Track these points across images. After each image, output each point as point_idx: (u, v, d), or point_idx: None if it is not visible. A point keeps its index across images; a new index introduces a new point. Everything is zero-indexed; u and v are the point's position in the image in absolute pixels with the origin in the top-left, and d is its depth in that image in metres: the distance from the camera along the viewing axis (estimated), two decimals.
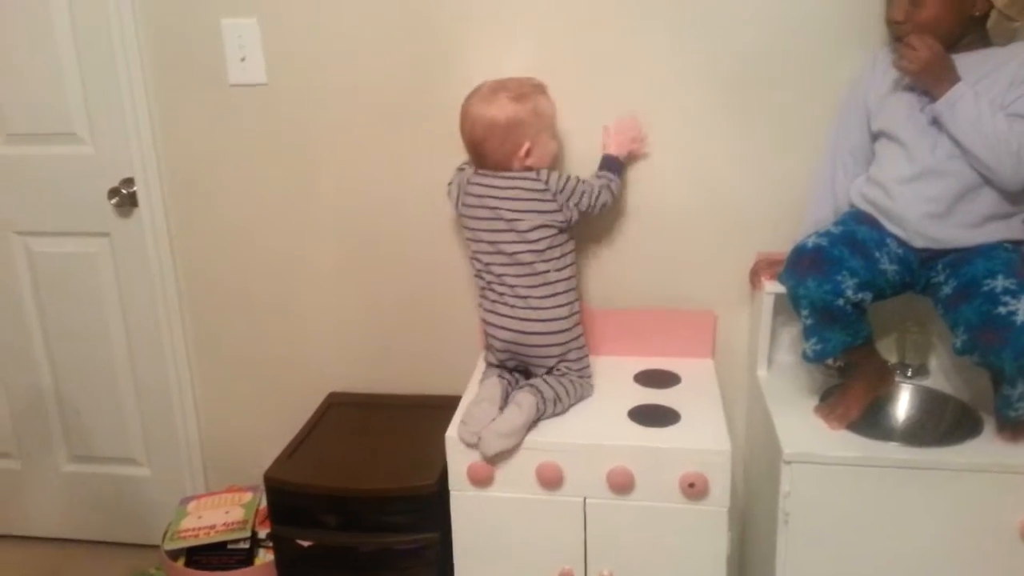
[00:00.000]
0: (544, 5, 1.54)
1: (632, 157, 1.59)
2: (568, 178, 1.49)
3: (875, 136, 1.43)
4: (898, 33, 1.37)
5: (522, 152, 1.45)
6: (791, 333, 1.60)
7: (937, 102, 1.29)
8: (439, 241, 1.73)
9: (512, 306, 1.48)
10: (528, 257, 1.46)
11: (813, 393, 1.50)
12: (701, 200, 1.62)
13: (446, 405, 1.54)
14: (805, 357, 1.39)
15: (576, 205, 1.49)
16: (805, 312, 1.36)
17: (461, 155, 1.64)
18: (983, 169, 1.29)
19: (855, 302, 1.32)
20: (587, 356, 1.55)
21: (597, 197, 1.51)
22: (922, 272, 1.39)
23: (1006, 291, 1.24)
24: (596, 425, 1.44)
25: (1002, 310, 1.23)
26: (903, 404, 1.51)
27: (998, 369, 1.26)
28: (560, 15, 1.55)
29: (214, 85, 1.70)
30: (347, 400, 1.82)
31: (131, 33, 1.69)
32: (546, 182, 1.46)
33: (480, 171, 1.50)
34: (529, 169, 1.47)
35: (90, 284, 1.92)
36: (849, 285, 1.31)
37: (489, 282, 1.50)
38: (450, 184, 1.58)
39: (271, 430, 1.80)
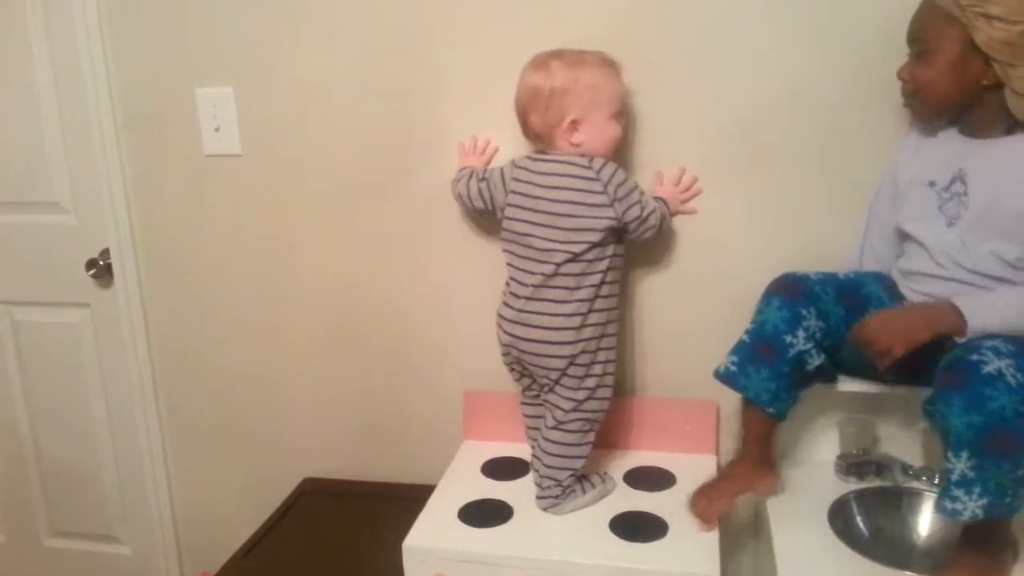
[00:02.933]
0: (518, 72, 1.42)
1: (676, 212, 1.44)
2: (627, 177, 1.33)
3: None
4: (903, 92, 1.26)
5: (565, 124, 1.30)
6: (811, 431, 1.43)
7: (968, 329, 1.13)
8: (423, 319, 1.63)
9: (520, 309, 1.34)
10: (559, 256, 1.30)
11: (826, 504, 1.31)
12: (708, 273, 1.48)
13: (420, 497, 1.43)
14: (716, 371, 1.30)
15: (627, 210, 1.31)
16: (749, 328, 1.28)
17: (446, 230, 1.56)
18: None
19: (801, 351, 1.21)
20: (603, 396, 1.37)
21: (649, 214, 1.34)
22: (934, 352, 1.19)
23: (993, 349, 1.07)
24: (572, 537, 1.29)
25: (973, 357, 1.06)
26: (922, 517, 1.31)
27: (945, 427, 1.06)
28: None
29: (189, 155, 1.65)
30: (320, 487, 1.71)
31: (106, 100, 1.65)
32: (598, 171, 1.29)
33: (529, 155, 1.37)
34: (580, 153, 1.31)
35: (71, 356, 1.87)
36: (809, 326, 1.22)
37: (511, 276, 1.37)
38: (457, 181, 1.47)
39: (246, 512, 1.71)
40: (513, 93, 1.39)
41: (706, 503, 1.29)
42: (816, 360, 1.25)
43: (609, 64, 1.32)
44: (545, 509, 1.36)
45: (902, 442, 1.39)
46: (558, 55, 1.32)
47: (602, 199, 1.29)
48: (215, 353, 1.75)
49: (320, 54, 1.54)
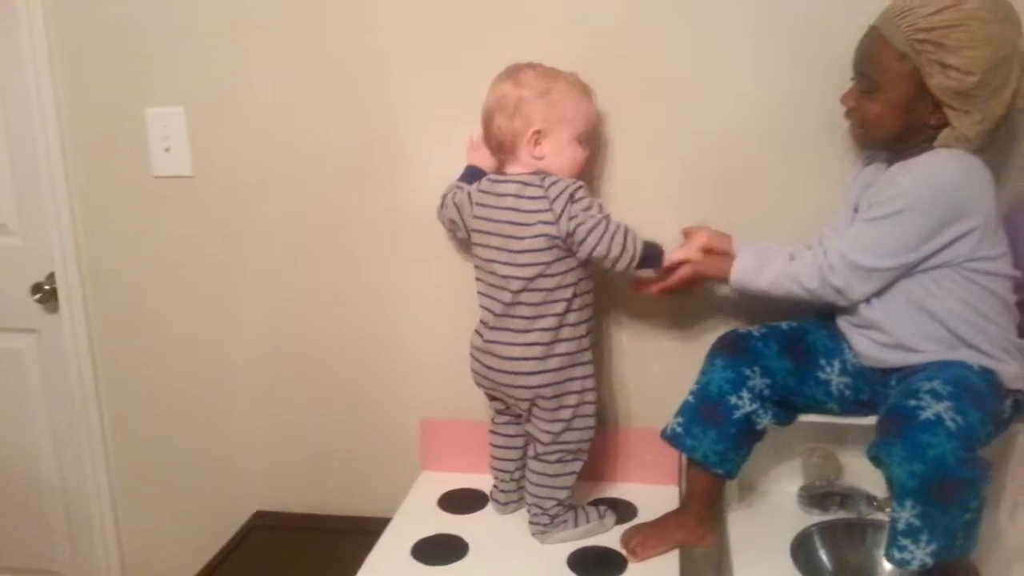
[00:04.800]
0: (480, 92, 1.38)
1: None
2: (581, 190, 1.23)
3: None
4: (848, 117, 1.24)
5: (529, 133, 1.25)
6: (775, 462, 1.40)
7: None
8: (380, 346, 1.58)
9: (486, 339, 1.30)
10: (516, 284, 1.26)
11: (788, 537, 1.28)
12: (677, 300, 1.44)
13: (375, 531, 1.38)
14: (663, 431, 1.30)
15: (577, 229, 1.22)
16: (694, 388, 1.27)
17: (405, 253, 1.53)
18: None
19: (748, 412, 1.21)
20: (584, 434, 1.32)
21: (612, 238, 1.22)
22: (880, 389, 1.21)
23: (932, 392, 1.05)
24: (528, 574, 1.25)
25: (912, 402, 1.05)
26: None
27: (889, 475, 1.05)
28: None
29: (138, 177, 1.59)
30: (272, 522, 1.65)
31: (53, 119, 1.60)
32: (547, 187, 1.24)
33: (491, 176, 1.33)
34: (539, 169, 1.27)
35: (16, 384, 1.79)
36: (755, 386, 1.23)
37: (480, 303, 1.33)
38: (444, 196, 1.41)
39: (195, 546, 1.64)
40: (475, 114, 1.36)
41: (640, 541, 1.28)
42: (764, 419, 1.25)
43: (582, 86, 1.30)
44: (534, 535, 1.34)
45: (867, 473, 1.34)
46: (533, 66, 1.29)
47: (547, 216, 1.24)
48: (164, 381, 1.69)
49: (274, 73, 1.50)
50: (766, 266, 1.21)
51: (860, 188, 1.27)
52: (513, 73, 1.28)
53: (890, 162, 1.22)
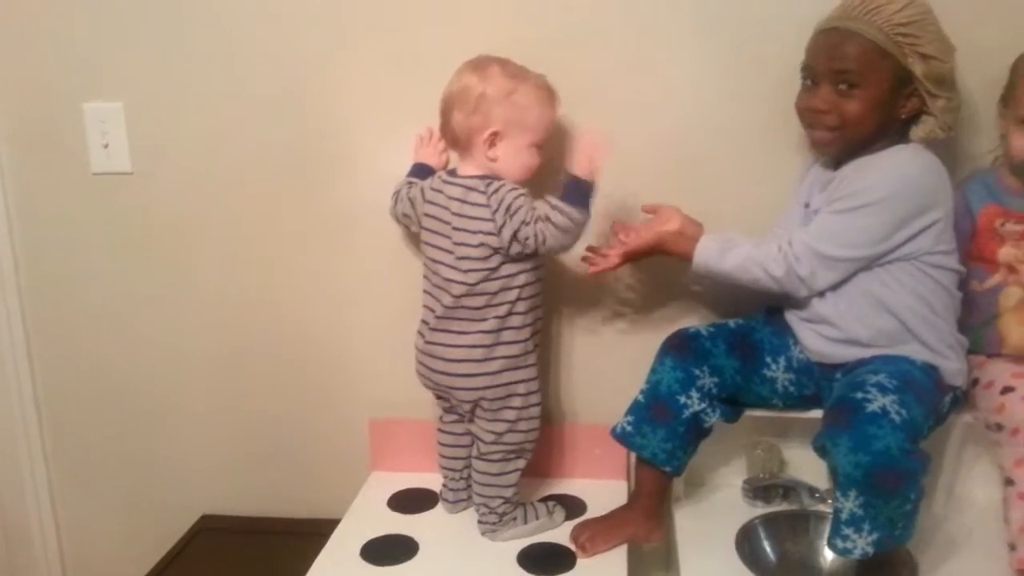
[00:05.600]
0: (427, 86, 1.37)
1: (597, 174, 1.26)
2: (517, 196, 1.22)
3: None
4: (817, 122, 1.23)
5: (486, 134, 1.23)
6: (719, 455, 1.42)
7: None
8: (328, 344, 1.57)
9: (428, 340, 1.29)
10: (458, 289, 1.25)
11: (733, 529, 1.30)
12: (630, 297, 1.46)
13: (325, 533, 1.36)
14: (612, 430, 1.31)
15: (514, 235, 1.21)
16: (644, 387, 1.29)
17: (352, 250, 1.51)
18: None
19: (696, 412, 1.23)
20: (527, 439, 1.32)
21: (530, 230, 1.20)
22: (824, 384, 1.25)
23: (878, 385, 1.09)
24: (478, 571, 1.26)
25: (859, 395, 1.08)
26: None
27: (834, 465, 1.08)
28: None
29: (75, 173, 1.55)
30: (219, 524, 1.62)
31: None
32: (491, 194, 1.23)
33: (442, 175, 1.31)
34: (484, 175, 1.26)
35: None
36: (704, 385, 1.25)
37: (424, 303, 1.32)
38: (397, 192, 1.40)
39: (139, 552, 1.59)
40: (422, 110, 1.35)
41: (589, 536, 1.29)
42: (712, 418, 1.27)
43: (548, 90, 1.27)
44: (484, 534, 1.33)
45: (809, 465, 1.38)
46: (501, 62, 1.26)
47: (489, 225, 1.23)
48: (105, 381, 1.65)
49: (216, 68, 1.47)
50: (731, 251, 1.22)
51: (812, 185, 1.29)
52: (480, 66, 1.25)
53: (840, 161, 1.25)
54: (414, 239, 1.46)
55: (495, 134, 1.24)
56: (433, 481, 1.48)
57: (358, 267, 1.52)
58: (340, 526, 1.39)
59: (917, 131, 1.21)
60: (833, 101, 1.19)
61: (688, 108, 1.39)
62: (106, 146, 1.53)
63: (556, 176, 1.39)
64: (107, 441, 1.68)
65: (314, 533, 1.43)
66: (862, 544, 1.06)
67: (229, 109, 1.49)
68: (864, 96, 1.17)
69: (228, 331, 1.59)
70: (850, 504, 1.06)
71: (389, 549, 1.32)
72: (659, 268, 1.40)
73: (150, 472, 1.68)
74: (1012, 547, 1.16)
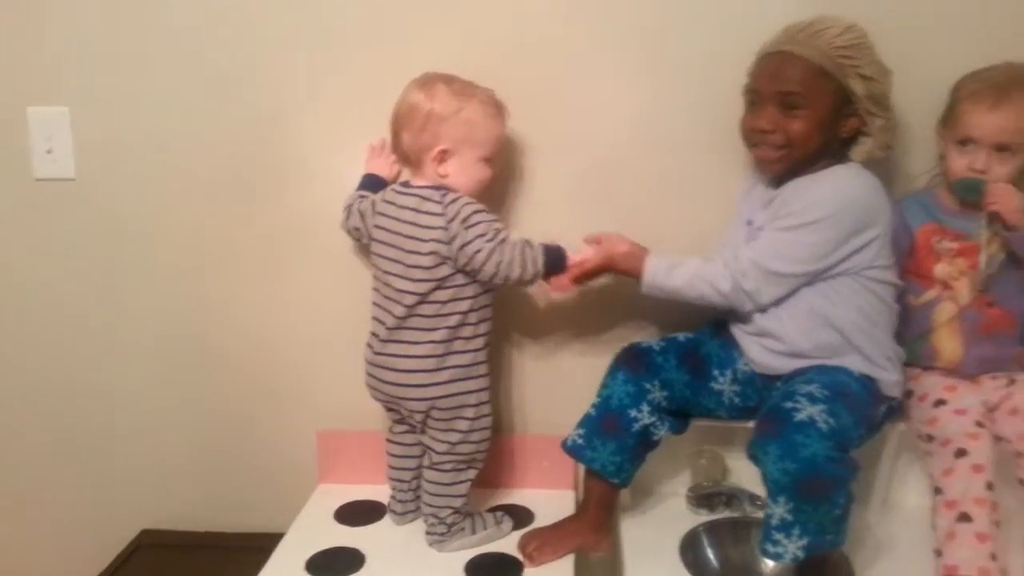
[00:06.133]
0: (377, 98, 1.38)
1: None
2: (479, 214, 1.23)
3: None
4: (762, 141, 1.27)
5: (435, 152, 1.25)
6: (663, 464, 1.44)
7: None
8: (275, 354, 1.55)
9: (378, 352, 1.29)
10: (410, 299, 1.25)
11: (678, 537, 1.33)
12: (574, 311, 1.48)
13: (269, 547, 1.34)
14: (563, 443, 1.34)
15: (463, 247, 1.22)
16: (596, 401, 1.32)
17: (301, 261, 1.50)
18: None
19: (646, 425, 1.26)
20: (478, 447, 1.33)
21: (510, 264, 1.22)
22: (766, 394, 1.28)
23: (808, 396, 1.12)
24: None
25: (788, 404, 1.11)
26: None
27: (764, 472, 1.12)
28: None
29: (17, 179, 1.51)
30: (160, 540, 1.58)
31: None
32: (447, 204, 1.24)
33: (395, 186, 1.32)
34: (442, 185, 1.27)
35: None
36: (654, 398, 1.28)
37: (373, 315, 1.32)
38: (349, 206, 1.40)
39: (75, 571, 1.57)
40: (372, 121, 1.37)
41: (536, 546, 1.30)
42: (661, 431, 1.30)
43: (495, 105, 1.29)
44: (431, 545, 1.33)
45: (751, 473, 1.40)
46: (447, 80, 1.28)
47: (441, 234, 1.25)
48: (41, 392, 1.61)
49: (165, 75, 1.46)
50: (678, 268, 1.25)
51: (755, 203, 1.33)
52: (427, 84, 1.27)
53: (782, 180, 1.29)
54: (364, 251, 1.46)
55: (444, 151, 1.26)
56: (380, 493, 1.47)
57: (306, 278, 1.52)
58: (285, 539, 1.37)
59: (857, 151, 1.26)
60: (778, 121, 1.23)
61: (633, 127, 1.42)
62: (50, 151, 1.50)
63: (508, 186, 1.42)
64: (41, 453, 1.63)
65: (259, 548, 1.41)
66: (792, 549, 1.09)
67: (177, 116, 1.47)
68: (808, 116, 1.22)
69: (172, 340, 1.56)
70: (780, 510, 1.09)
71: (335, 562, 1.30)
72: (610, 283, 1.43)
73: (86, 485, 1.64)
74: (938, 553, 1.20)
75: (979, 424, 1.25)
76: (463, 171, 1.28)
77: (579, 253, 1.31)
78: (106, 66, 1.46)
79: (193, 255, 1.52)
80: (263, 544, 1.40)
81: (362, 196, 1.38)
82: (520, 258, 1.25)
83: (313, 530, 1.40)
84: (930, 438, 1.27)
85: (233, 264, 1.52)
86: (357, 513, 1.44)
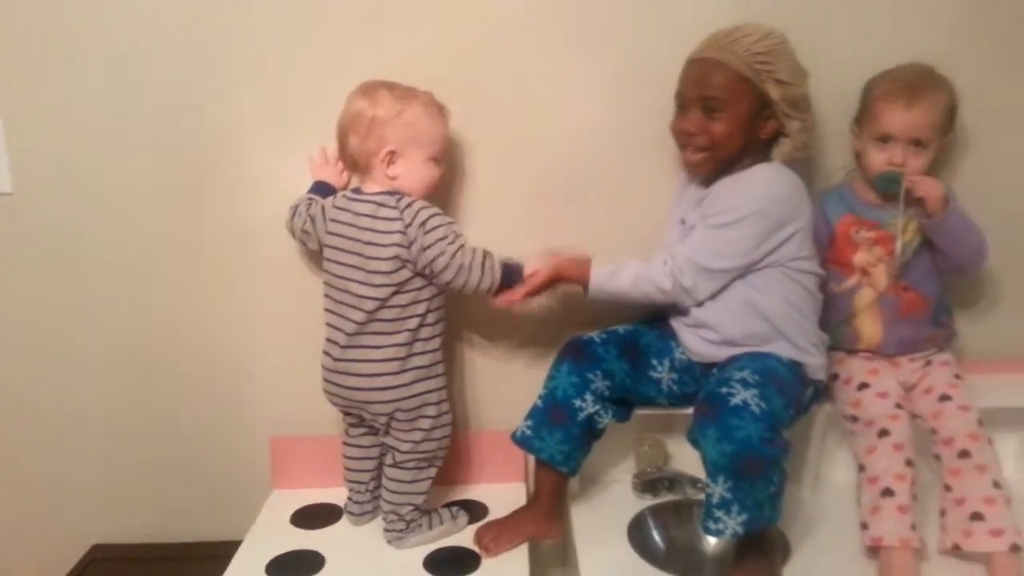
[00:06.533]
0: (322, 105, 1.41)
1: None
2: (436, 218, 1.28)
3: None
4: (688, 143, 1.34)
5: (383, 154, 1.29)
6: (608, 453, 1.50)
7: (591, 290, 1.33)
8: (224, 361, 1.56)
9: (337, 358, 1.32)
10: (371, 304, 1.28)
11: (625, 521, 1.40)
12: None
13: (226, 555, 1.35)
14: (513, 435, 1.39)
15: (423, 249, 1.26)
16: (542, 393, 1.37)
17: (251, 271, 1.52)
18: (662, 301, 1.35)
19: (591, 413, 1.32)
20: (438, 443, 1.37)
21: (469, 270, 1.27)
22: (703, 381, 1.35)
23: (741, 381, 1.20)
24: None
25: (724, 390, 1.19)
26: None
27: (704, 454, 1.19)
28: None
29: None
30: (112, 554, 1.57)
31: None
32: (403, 209, 1.28)
33: (347, 192, 1.34)
34: (395, 188, 1.31)
35: None
36: (597, 388, 1.34)
37: (328, 322, 1.34)
38: (296, 207, 1.42)
39: None
40: (317, 129, 1.40)
41: (492, 537, 1.35)
42: (605, 419, 1.36)
43: (436, 106, 1.33)
44: (390, 542, 1.36)
45: (691, 458, 1.48)
46: (389, 86, 1.31)
47: (400, 238, 1.28)
48: None
49: (103, 85, 1.44)
50: (621, 271, 1.32)
51: (687, 203, 1.40)
52: (369, 91, 1.31)
53: (711, 179, 1.36)
54: (310, 257, 1.48)
55: (392, 153, 1.29)
56: (335, 496, 1.50)
57: (254, 286, 1.53)
58: (243, 545, 1.39)
59: (777, 151, 1.34)
60: (702, 124, 1.31)
61: (583, 132, 1.47)
62: None
63: (460, 190, 1.46)
64: None
65: (214, 556, 1.41)
66: (732, 525, 1.16)
67: (115, 127, 1.46)
68: (728, 119, 1.29)
69: (118, 351, 1.55)
70: (719, 489, 1.16)
71: (295, 565, 1.33)
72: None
73: (33, 501, 1.61)
74: (864, 526, 1.29)
75: (899, 406, 1.34)
76: (412, 172, 1.31)
77: (528, 268, 1.36)
78: (42, 78, 1.44)
79: (137, 267, 1.52)
80: (219, 552, 1.41)
81: (311, 199, 1.40)
82: (480, 267, 1.30)
83: (271, 535, 1.41)
84: (854, 419, 1.37)
85: (179, 275, 1.52)
86: (313, 516, 1.47)
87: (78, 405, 1.58)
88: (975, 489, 1.27)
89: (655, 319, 1.42)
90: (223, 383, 1.57)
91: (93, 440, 1.59)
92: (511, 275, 1.34)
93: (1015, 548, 1.23)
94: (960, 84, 1.38)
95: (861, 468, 1.33)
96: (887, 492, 1.27)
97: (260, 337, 1.55)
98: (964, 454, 1.30)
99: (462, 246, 1.29)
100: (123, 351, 1.55)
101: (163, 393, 1.57)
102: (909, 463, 1.29)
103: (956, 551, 1.26)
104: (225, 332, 1.55)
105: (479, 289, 1.31)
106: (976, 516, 1.25)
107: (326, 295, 1.35)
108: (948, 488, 1.30)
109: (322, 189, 1.42)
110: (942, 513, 1.30)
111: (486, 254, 1.32)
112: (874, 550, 1.26)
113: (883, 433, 1.31)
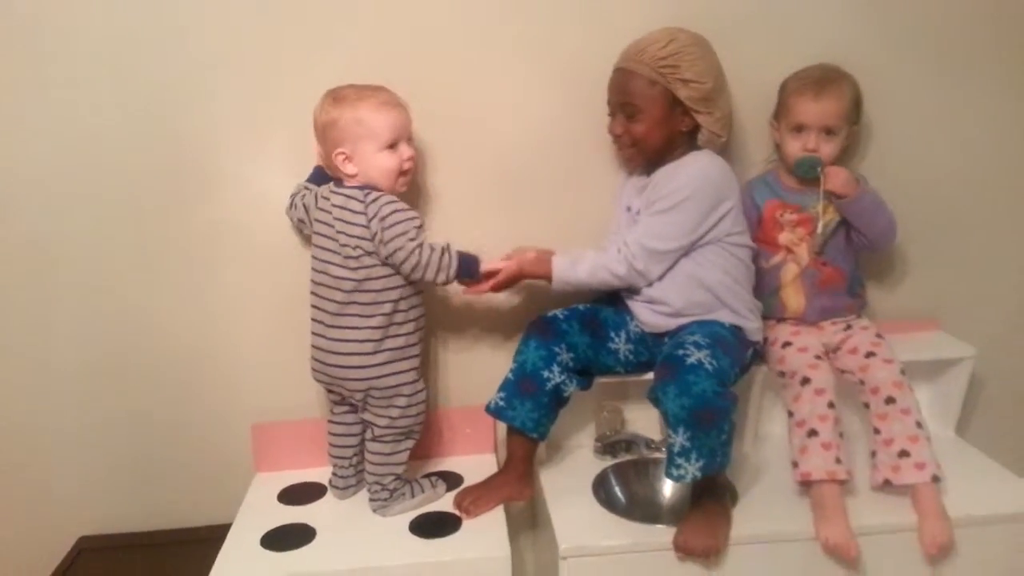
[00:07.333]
0: (293, 105, 1.50)
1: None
2: (397, 214, 1.37)
3: None
4: (617, 144, 1.52)
5: (335, 155, 1.39)
6: (571, 421, 1.64)
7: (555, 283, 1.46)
8: (199, 353, 1.62)
9: (320, 335, 1.42)
10: (348, 285, 1.38)
11: (589, 480, 1.54)
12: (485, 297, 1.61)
13: (216, 537, 1.42)
14: (487, 406, 1.50)
15: (387, 245, 1.36)
16: (513, 367, 1.48)
17: (229, 265, 1.59)
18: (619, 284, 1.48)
19: (557, 383, 1.45)
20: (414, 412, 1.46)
21: (427, 265, 1.37)
22: (656, 349, 1.50)
23: (695, 343, 1.35)
24: (376, 544, 1.39)
25: (680, 352, 1.34)
26: (665, 481, 1.56)
27: (664, 410, 1.33)
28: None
29: None
30: (99, 544, 1.62)
31: None
32: (367, 204, 1.37)
33: (330, 186, 1.44)
34: (361, 185, 1.40)
35: None
36: (562, 360, 1.46)
37: (313, 303, 1.43)
38: (293, 196, 1.51)
39: None
40: (289, 127, 1.50)
41: (471, 500, 1.46)
42: (570, 387, 1.49)
43: (384, 99, 1.40)
44: (375, 511, 1.46)
45: (645, 421, 1.65)
46: (333, 92, 1.40)
47: (363, 231, 1.37)
48: None
49: (76, 86, 1.48)
50: (579, 262, 1.45)
51: (632, 191, 1.54)
52: (323, 98, 1.41)
53: (650, 169, 1.51)
54: (288, 252, 1.57)
55: (342, 154, 1.40)
56: (316, 475, 1.60)
57: (232, 280, 1.59)
58: (236, 522, 1.46)
59: (700, 140, 1.49)
60: (625, 126, 1.47)
61: (531, 131, 1.59)
62: None
63: (416, 188, 1.56)
64: None
65: (203, 540, 1.49)
66: (692, 470, 1.31)
67: (90, 127, 1.50)
68: (645, 119, 1.45)
69: (97, 346, 1.60)
70: (680, 439, 1.31)
71: (288, 537, 1.41)
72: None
73: (16, 497, 1.64)
74: (795, 464, 1.45)
75: (818, 357, 1.51)
76: (367, 166, 1.40)
77: (492, 263, 1.48)
78: (17, 81, 1.47)
79: (119, 258, 1.56)
80: (207, 535, 1.49)
81: (307, 189, 1.50)
82: (436, 263, 1.39)
83: (260, 512, 1.49)
84: (781, 374, 1.54)
85: (155, 274, 1.58)
86: (299, 493, 1.55)
87: (59, 400, 1.61)
88: (901, 430, 1.45)
89: (611, 296, 1.57)
90: (198, 374, 1.63)
91: (75, 434, 1.63)
92: (469, 266, 1.44)
93: (935, 479, 1.42)
94: (864, 80, 1.55)
95: (790, 414, 1.49)
96: (812, 433, 1.43)
97: (231, 334, 1.61)
98: (890, 400, 1.46)
99: (420, 244, 1.38)
100: (101, 350, 1.60)
101: (140, 389, 1.62)
102: (831, 405, 1.45)
103: (886, 486, 1.44)
104: (198, 330, 1.61)
105: (436, 282, 1.42)
106: (903, 453, 1.43)
107: (312, 279, 1.44)
108: (877, 431, 1.47)
109: (318, 176, 1.52)
110: (873, 454, 1.48)
111: (444, 250, 1.41)
112: (805, 484, 1.43)
113: (805, 381, 1.47)
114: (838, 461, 1.41)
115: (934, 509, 1.40)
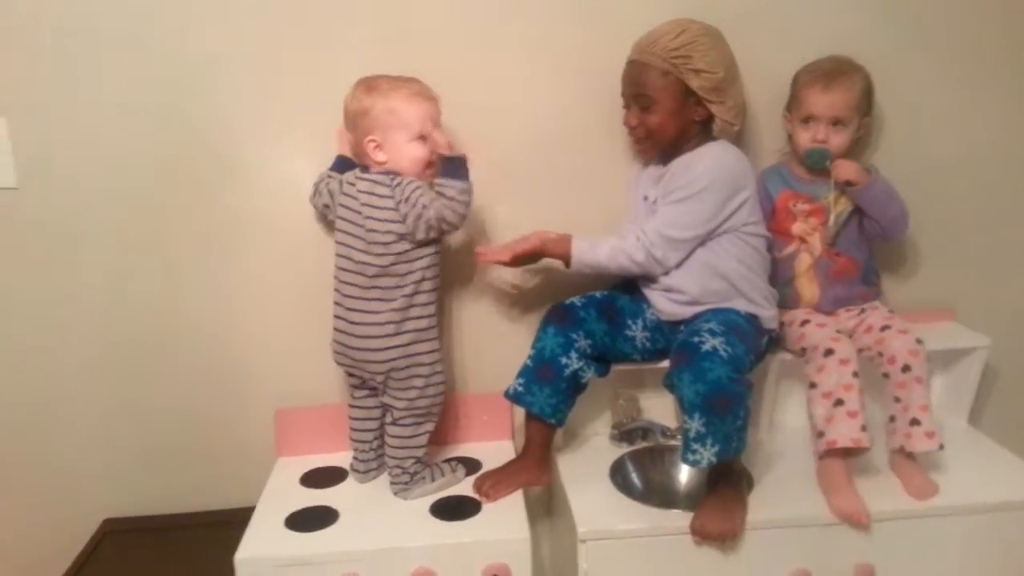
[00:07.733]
0: (314, 94, 1.53)
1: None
2: (416, 188, 1.40)
3: None
4: (632, 136, 1.54)
5: (367, 144, 1.41)
6: (587, 410, 1.66)
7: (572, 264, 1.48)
8: (222, 340, 1.65)
9: (342, 318, 1.45)
10: (371, 270, 1.41)
11: (606, 466, 1.56)
12: (505, 280, 1.66)
13: (238, 520, 1.44)
14: (506, 392, 1.52)
15: (417, 219, 1.40)
16: (531, 353, 1.50)
17: (250, 252, 1.61)
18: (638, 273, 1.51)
19: (575, 369, 1.47)
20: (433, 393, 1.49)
21: (431, 212, 1.39)
22: (672, 337, 1.52)
23: (709, 331, 1.37)
24: (398, 526, 1.41)
25: (695, 339, 1.36)
26: (681, 467, 1.59)
27: (680, 395, 1.35)
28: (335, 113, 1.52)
29: None
30: (124, 526, 1.65)
31: None
32: (395, 187, 1.41)
33: (355, 172, 1.47)
34: (388, 171, 1.43)
35: None
36: (580, 346, 1.47)
37: (336, 287, 1.46)
38: (317, 183, 1.55)
39: (42, 569, 1.60)
40: (310, 115, 1.53)
41: (491, 484, 1.48)
42: (588, 374, 1.51)
43: (415, 92, 1.42)
44: (396, 494, 1.49)
45: (661, 410, 1.68)
46: (367, 81, 1.43)
47: (393, 215, 1.41)
48: None
49: (102, 80, 1.51)
50: (598, 246, 1.48)
51: (648, 181, 1.57)
52: (355, 87, 1.44)
53: (666, 159, 1.53)
54: (309, 239, 1.60)
55: (373, 142, 1.43)
56: (338, 459, 1.62)
57: (254, 267, 1.62)
58: (260, 503, 1.49)
59: (715, 129, 1.51)
60: (640, 117, 1.49)
61: (544, 122, 1.61)
62: None
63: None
64: None
65: (225, 522, 1.51)
66: (707, 455, 1.33)
67: (116, 120, 1.53)
68: (659, 110, 1.47)
69: (122, 333, 1.63)
70: (695, 424, 1.33)
71: (312, 518, 1.44)
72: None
73: (43, 481, 1.67)
74: (820, 434, 1.45)
75: (839, 332, 1.53)
76: (398, 154, 1.43)
77: (513, 239, 1.51)
78: (43, 75, 1.50)
79: (143, 247, 1.59)
80: (230, 519, 1.50)
81: (331, 176, 1.53)
82: (449, 196, 1.40)
83: (283, 495, 1.52)
84: (803, 350, 1.55)
85: (178, 264, 1.61)
86: (321, 477, 1.58)
87: (85, 387, 1.64)
88: (915, 399, 1.46)
89: (627, 285, 1.59)
90: (222, 360, 1.66)
91: (100, 420, 1.66)
92: (454, 171, 1.41)
93: (942, 447, 1.45)
94: (877, 71, 1.57)
95: (812, 386, 1.47)
96: (839, 402, 1.43)
97: (253, 321, 1.64)
98: (906, 368, 1.47)
99: (434, 198, 1.40)
100: (128, 334, 1.63)
101: (166, 374, 1.65)
102: (856, 375, 1.46)
103: (901, 452, 1.47)
104: (221, 317, 1.64)
105: (461, 212, 1.41)
106: (914, 421, 1.45)
107: (336, 265, 1.47)
108: (897, 399, 1.48)
109: (341, 163, 1.54)
110: (892, 419, 1.49)
111: (443, 194, 1.40)
112: (831, 454, 1.43)
113: (828, 352, 1.48)
114: (863, 429, 1.42)
115: (917, 470, 1.45)
